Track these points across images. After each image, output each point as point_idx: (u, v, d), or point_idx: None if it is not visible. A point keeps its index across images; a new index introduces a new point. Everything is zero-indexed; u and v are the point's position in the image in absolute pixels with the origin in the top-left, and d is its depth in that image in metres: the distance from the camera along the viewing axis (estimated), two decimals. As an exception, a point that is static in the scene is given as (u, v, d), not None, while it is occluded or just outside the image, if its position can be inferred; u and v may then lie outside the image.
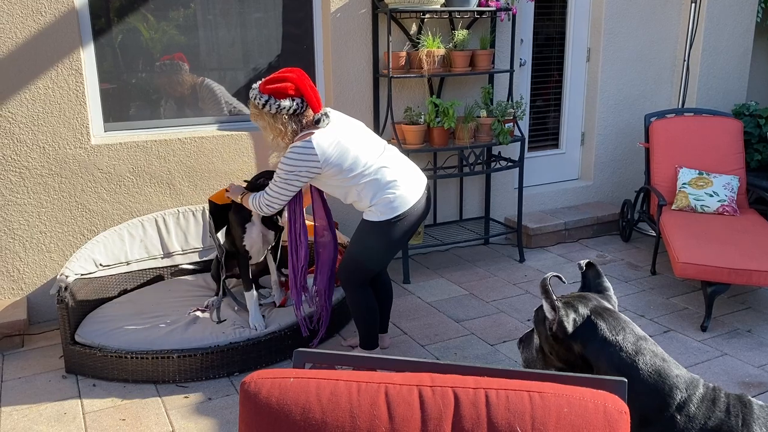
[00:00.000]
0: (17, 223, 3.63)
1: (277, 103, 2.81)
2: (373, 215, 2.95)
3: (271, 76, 2.90)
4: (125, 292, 3.73)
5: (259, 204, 2.99)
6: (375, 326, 3.21)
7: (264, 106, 2.83)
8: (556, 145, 5.54)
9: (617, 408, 1.05)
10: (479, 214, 5.07)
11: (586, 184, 5.55)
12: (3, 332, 3.43)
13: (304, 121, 2.89)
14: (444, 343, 3.51)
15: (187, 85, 4.04)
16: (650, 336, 3.54)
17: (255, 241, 3.35)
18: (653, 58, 5.51)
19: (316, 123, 2.86)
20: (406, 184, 2.96)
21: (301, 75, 2.87)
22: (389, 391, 1.07)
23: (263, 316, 3.38)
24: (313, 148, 2.80)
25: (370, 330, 3.20)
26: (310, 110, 2.89)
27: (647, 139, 4.88)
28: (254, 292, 3.34)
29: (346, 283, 3.11)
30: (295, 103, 2.82)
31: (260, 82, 2.92)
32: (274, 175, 2.91)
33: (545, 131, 5.45)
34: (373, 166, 2.91)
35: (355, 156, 2.88)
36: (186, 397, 3.01)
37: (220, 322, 3.31)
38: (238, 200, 3.16)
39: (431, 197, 3.11)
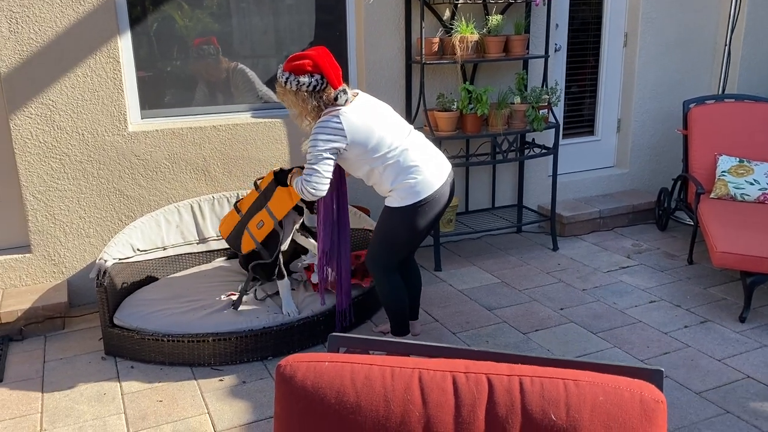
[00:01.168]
0: (58, 208, 3.72)
1: (296, 80, 2.85)
2: (394, 201, 2.95)
3: (294, 54, 2.93)
4: (161, 276, 3.80)
5: (303, 188, 2.91)
6: (404, 313, 3.21)
7: (285, 83, 2.88)
8: (591, 132, 5.46)
9: (653, 397, 1.04)
10: (512, 202, 5.03)
11: (622, 172, 5.46)
12: (45, 314, 3.53)
13: (324, 97, 2.89)
14: (475, 331, 3.51)
15: (221, 69, 4.08)
16: (686, 326, 3.49)
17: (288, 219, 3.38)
18: (693, 44, 5.37)
19: (335, 100, 2.87)
20: (429, 169, 2.93)
21: (321, 52, 2.88)
22: (423, 376, 1.07)
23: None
24: (341, 122, 2.82)
25: (399, 317, 3.21)
26: (331, 87, 2.88)
27: (685, 126, 4.77)
28: (287, 279, 3.37)
29: (372, 270, 3.12)
30: (314, 80, 2.84)
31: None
32: (308, 156, 2.89)
33: (580, 118, 5.37)
34: (397, 149, 2.90)
35: (381, 136, 2.88)
36: (221, 380, 3.07)
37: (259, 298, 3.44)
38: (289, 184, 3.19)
39: (454, 184, 3.08)
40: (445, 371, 1.08)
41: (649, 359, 3.19)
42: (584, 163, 5.46)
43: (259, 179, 3.47)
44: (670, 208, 4.95)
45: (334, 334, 1.24)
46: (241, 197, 4.00)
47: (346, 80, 4.39)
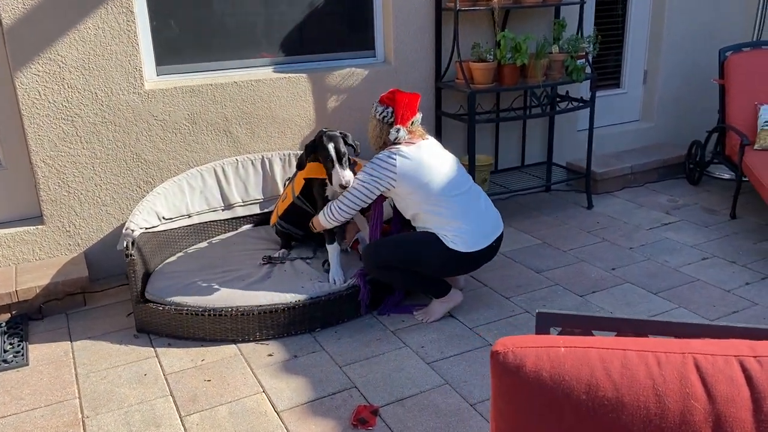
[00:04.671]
0: (71, 175, 3.41)
1: (377, 106, 3.01)
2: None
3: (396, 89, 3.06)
4: (188, 246, 3.54)
5: (331, 213, 2.98)
6: (428, 277, 2.99)
7: (372, 107, 3.05)
8: (617, 85, 5.23)
9: None
10: (540, 159, 4.82)
11: (648, 126, 5.27)
12: (65, 290, 3.25)
13: (388, 130, 2.96)
14: (528, 294, 3.31)
15: None
16: (748, 284, 3.34)
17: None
18: (723, -11, 5.14)
19: (388, 134, 2.94)
20: (474, 229, 2.90)
21: (409, 95, 2.99)
22: (700, 363, 0.86)
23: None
24: (395, 159, 2.86)
25: (426, 284, 3.00)
26: (396, 124, 2.94)
27: (721, 75, 4.57)
28: (336, 244, 3.13)
29: (369, 265, 2.97)
30: (386, 111, 2.96)
31: None
32: (353, 182, 2.92)
33: (606, 69, 5.14)
34: (446, 201, 2.89)
35: (433, 182, 2.87)
36: (270, 355, 2.84)
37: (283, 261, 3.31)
38: (316, 226, 3.12)
39: (500, 244, 3.12)
40: (728, 356, 0.86)
41: (718, 319, 3.03)
42: (609, 117, 5.25)
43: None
44: (705, 162, 4.77)
45: (543, 311, 1.01)
46: (266, 160, 3.74)
47: (371, 29, 4.09)
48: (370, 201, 2.93)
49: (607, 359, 0.86)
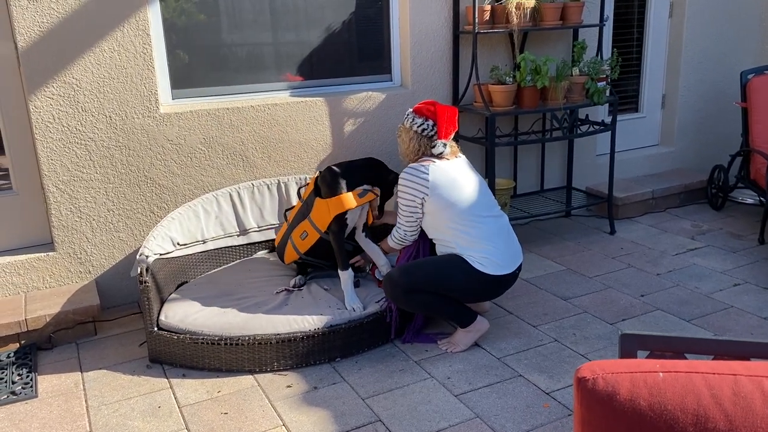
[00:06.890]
0: (83, 200, 3.33)
1: (413, 117, 2.93)
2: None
3: (428, 100, 3.02)
4: (202, 273, 3.43)
5: (399, 238, 2.99)
6: (455, 304, 2.87)
7: (405, 119, 2.98)
8: (635, 109, 5.16)
9: None
10: (560, 184, 4.72)
11: (668, 150, 5.17)
12: (76, 319, 3.15)
13: (427, 143, 2.90)
14: (557, 322, 3.18)
15: None
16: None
17: (354, 212, 3.06)
18: (740, 12, 5.09)
19: (432, 148, 2.88)
20: (501, 255, 2.83)
21: (448, 107, 2.94)
22: (826, 391, 0.75)
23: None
24: (427, 173, 2.83)
25: (453, 311, 2.88)
26: (437, 137, 2.89)
27: (744, 98, 4.48)
28: (350, 271, 3.02)
29: (398, 293, 2.83)
30: (426, 124, 2.89)
31: None
32: (398, 205, 2.92)
33: (624, 94, 5.06)
34: (476, 220, 2.83)
35: (464, 200, 2.83)
36: (289, 386, 2.71)
37: (297, 287, 3.21)
38: (388, 248, 3.16)
39: (520, 272, 3.15)
40: None
41: (758, 347, 2.89)
42: (628, 141, 5.16)
43: (302, 187, 3.38)
44: (729, 186, 4.66)
45: (628, 332, 0.91)
46: (282, 184, 3.65)
47: (388, 53, 4.04)
48: (419, 214, 2.89)
49: (715, 386, 0.75)
